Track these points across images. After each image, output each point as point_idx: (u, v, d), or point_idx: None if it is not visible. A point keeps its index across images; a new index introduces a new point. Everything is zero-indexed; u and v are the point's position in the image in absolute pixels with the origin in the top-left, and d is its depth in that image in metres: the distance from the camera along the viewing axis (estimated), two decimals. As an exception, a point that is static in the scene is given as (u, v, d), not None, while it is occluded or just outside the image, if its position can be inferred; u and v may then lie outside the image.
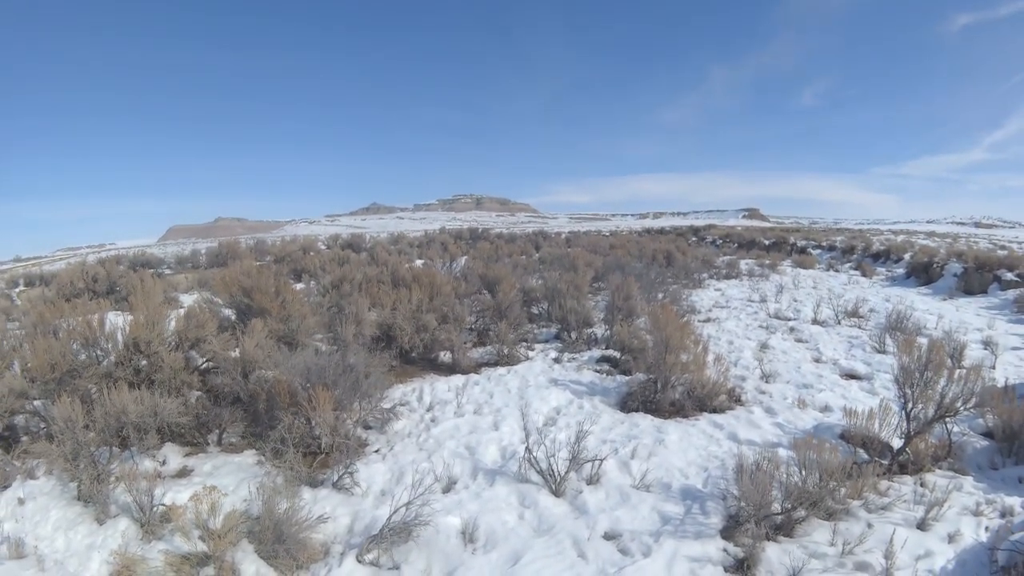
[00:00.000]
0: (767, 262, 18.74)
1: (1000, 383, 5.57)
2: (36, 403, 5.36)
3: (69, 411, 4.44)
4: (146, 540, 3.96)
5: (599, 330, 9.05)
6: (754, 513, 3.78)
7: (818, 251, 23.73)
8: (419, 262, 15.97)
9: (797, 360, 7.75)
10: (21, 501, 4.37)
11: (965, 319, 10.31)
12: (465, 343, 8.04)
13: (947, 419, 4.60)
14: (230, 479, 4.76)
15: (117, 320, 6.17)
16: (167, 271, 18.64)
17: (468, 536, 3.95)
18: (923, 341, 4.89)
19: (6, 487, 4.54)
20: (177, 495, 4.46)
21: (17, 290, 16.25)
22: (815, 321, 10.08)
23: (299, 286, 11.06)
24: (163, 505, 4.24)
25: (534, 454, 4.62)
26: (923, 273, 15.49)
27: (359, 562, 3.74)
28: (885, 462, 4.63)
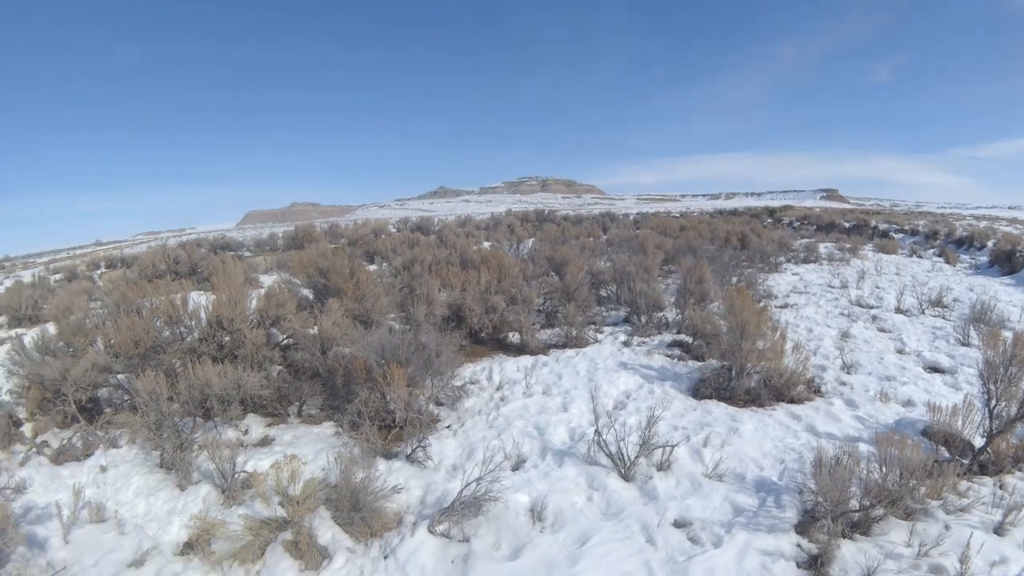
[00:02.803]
0: (847, 246, 17.85)
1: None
2: (119, 377, 5.74)
3: (153, 384, 4.74)
4: (226, 505, 4.19)
5: (670, 314, 8.89)
6: (831, 509, 3.65)
7: (900, 235, 22.41)
8: (486, 244, 16.08)
9: (879, 351, 7.38)
10: (103, 468, 4.70)
11: None
12: (533, 324, 8.08)
13: None
14: (309, 449, 4.98)
15: (200, 299, 6.52)
16: (246, 253, 19.50)
17: (536, 514, 3.99)
18: (1007, 335, 4.56)
19: (88, 455, 4.89)
20: (258, 463, 4.70)
21: (99, 272, 17.32)
22: (898, 310, 9.55)
23: (372, 268, 11.36)
24: (244, 472, 4.48)
25: (603, 437, 4.60)
26: (1006, 262, 14.42)
27: (431, 532, 3.85)
28: (966, 461, 4.39)
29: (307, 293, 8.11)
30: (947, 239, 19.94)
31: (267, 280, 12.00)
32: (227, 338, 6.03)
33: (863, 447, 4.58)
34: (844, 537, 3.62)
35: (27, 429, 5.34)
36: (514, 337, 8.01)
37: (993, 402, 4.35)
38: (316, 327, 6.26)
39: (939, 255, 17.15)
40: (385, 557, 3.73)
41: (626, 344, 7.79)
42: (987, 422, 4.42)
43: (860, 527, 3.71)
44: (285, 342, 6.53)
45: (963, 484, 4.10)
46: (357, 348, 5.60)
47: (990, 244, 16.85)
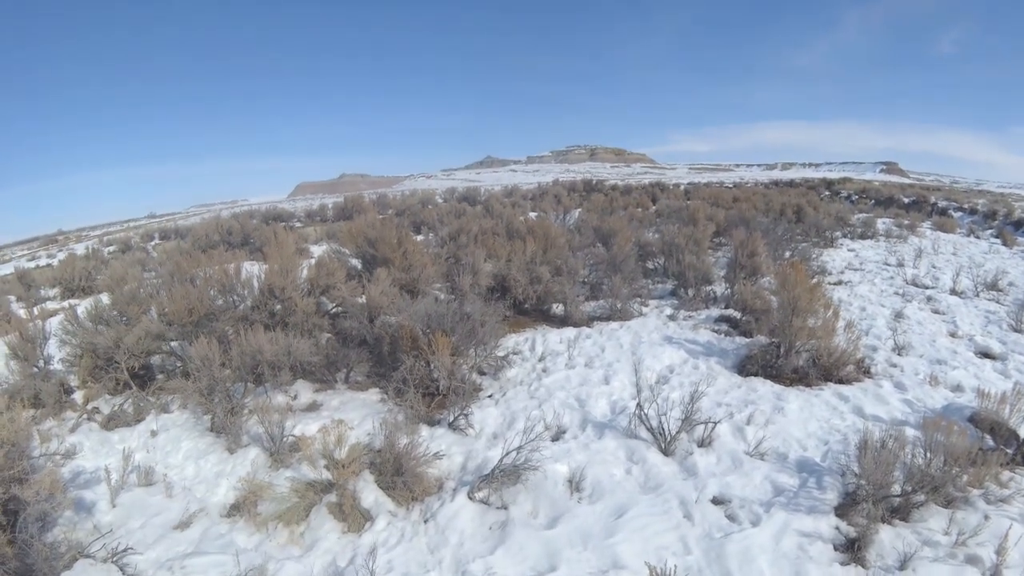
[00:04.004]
0: (906, 222, 17.13)
1: None
2: (172, 344, 5.96)
3: (207, 350, 4.90)
4: (274, 468, 4.36)
5: (718, 288, 8.73)
6: (873, 493, 3.58)
7: (959, 214, 21.45)
8: (532, 214, 16.04)
9: (932, 333, 7.12)
10: (154, 433, 4.90)
11: None
12: (578, 296, 8.06)
13: None
14: (355, 414, 5.14)
15: (252, 269, 6.72)
16: (297, 224, 19.93)
17: (575, 485, 4.05)
18: None
19: (140, 421, 5.10)
20: (306, 427, 4.86)
21: (152, 243, 17.91)
22: (953, 291, 9.18)
23: (419, 238, 11.49)
24: (293, 436, 4.64)
25: (645, 411, 4.60)
26: None
27: (470, 499, 3.96)
28: (1010, 451, 4.23)
29: (356, 263, 8.28)
30: (1005, 220, 19.09)
31: (317, 250, 12.27)
32: (278, 306, 6.22)
33: (909, 431, 4.44)
34: (883, 522, 3.56)
35: (78, 396, 5.54)
36: (558, 308, 8.02)
37: None
38: (364, 296, 6.41)
39: (997, 236, 16.41)
40: (425, 521, 3.87)
41: (672, 318, 7.71)
42: None
43: (900, 512, 3.65)
44: (334, 310, 6.71)
45: (1005, 474, 3.97)
46: (404, 317, 5.72)
47: (1049, 227, 15.98)
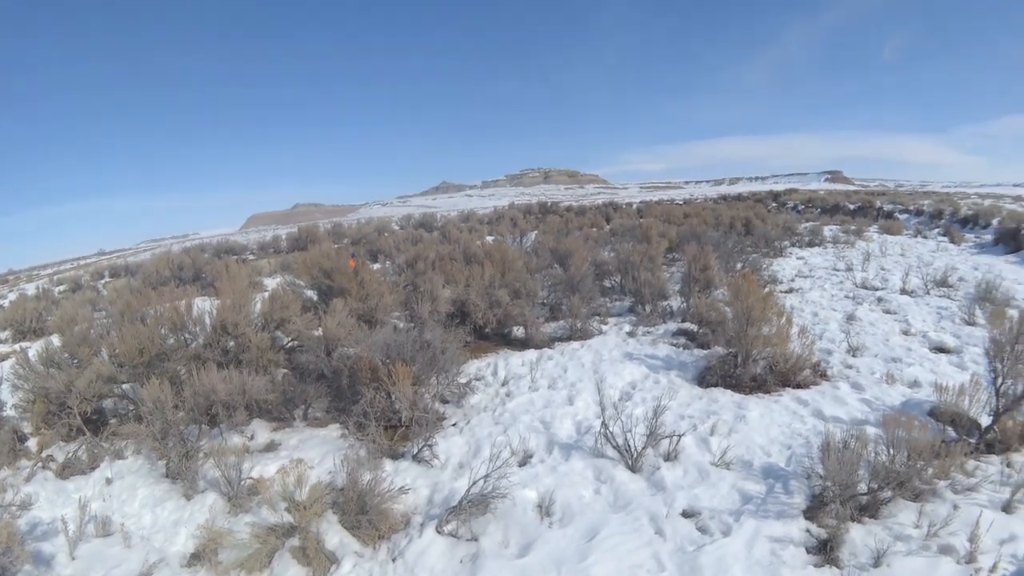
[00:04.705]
0: (852, 228, 17.74)
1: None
2: (124, 387, 5.73)
3: (158, 392, 4.72)
4: (233, 513, 4.19)
5: (674, 303, 8.86)
6: (839, 493, 3.64)
7: (905, 216, 22.33)
8: (490, 238, 16.06)
9: (885, 332, 7.35)
10: (109, 481, 4.70)
11: None
12: (538, 318, 8.06)
13: None
14: (315, 452, 4.99)
15: (204, 305, 6.52)
16: (250, 257, 19.54)
17: (544, 509, 4.00)
18: (1013, 313, 4.52)
19: (94, 468, 4.89)
20: (264, 469, 4.69)
21: (103, 282, 17.35)
22: (903, 291, 9.51)
23: (376, 266, 11.36)
24: (251, 479, 4.46)
25: (610, 429, 4.59)
26: (1011, 240, 14.26)
27: (439, 533, 3.85)
28: (973, 441, 4.36)
29: (311, 294, 8.12)
30: (952, 218, 19.84)
31: (271, 283, 12.02)
32: (232, 343, 6.03)
33: (870, 430, 4.55)
34: (853, 521, 3.61)
35: (32, 444, 5.32)
36: (519, 331, 8.00)
37: (1000, 380, 4.32)
38: (320, 328, 6.27)
39: (944, 235, 17.05)
40: (393, 560, 3.74)
41: (631, 334, 7.77)
42: (993, 401, 4.40)
43: (868, 510, 3.71)
44: (290, 344, 6.54)
45: (970, 463, 4.09)
46: (362, 348, 5.60)
47: (995, 223, 16.72)
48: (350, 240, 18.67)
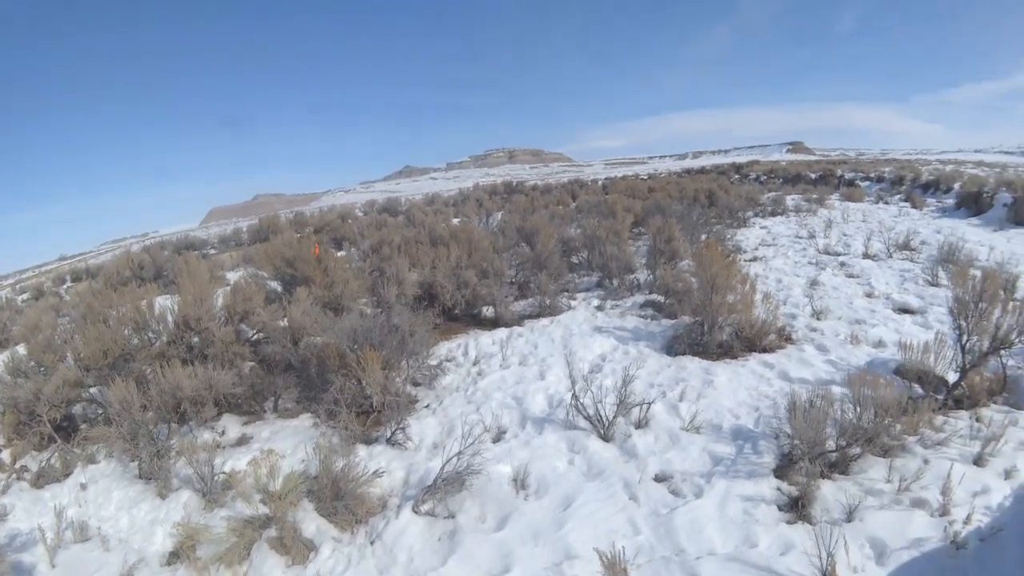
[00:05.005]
0: (814, 197, 18.06)
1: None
2: (92, 391, 5.61)
3: (124, 393, 4.62)
4: (208, 509, 4.14)
5: (641, 275, 8.92)
6: (808, 451, 3.71)
7: (866, 183, 22.77)
8: (456, 220, 15.96)
9: (849, 295, 7.49)
10: (83, 486, 4.61)
11: (1016, 250, 9.66)
12: (507, 296, 8.05)
13: (1002, 351, 4.40)
14: (288, 443, 4.94)
15: (166, 302, 6.40)
16: (211, 251, 19.14)
17: (520, 483, 4.02)
18: (976, 273, 4.65)
19: (68, 475, 4.79)
20: (237, 463, 4.63)
21: (65, 287, 16.89)
22: (866, 255, 9.72)
23: (340, 253, 11.21)
24: (223, 473, 4.40)
25: (581, 400, 4.63)
26: (973, 204, 14.69)
27: (415, 513, 3.85)
28: (940, 397, 4.49)
29: (276, 285, 7.99)
30: (913, 184, 20.27)
31: (234, 276, 11.79)
32: (196, 339, 5.92)
33: (836, 389, 4.63)
34: (823, 477, 3.68)
35: (6, 455, 5.21)
36: (488, 311, 7.99)
37: (965, 337, 4.43)
38: (286, 318, 6.18)
39: (905, 200, 17.41)
40: (372, 543, 3.72)
41: (599, 308, 7.81)
42: (960, 357, 4.50)
43: (838, 467, 3.79)
44: (256, 337, 6.43)
45: (939, 419, 4.18)
46: (329, 335, 5.54)
47: (956, 187, 17.10)
48: (313, 228, 18.38)
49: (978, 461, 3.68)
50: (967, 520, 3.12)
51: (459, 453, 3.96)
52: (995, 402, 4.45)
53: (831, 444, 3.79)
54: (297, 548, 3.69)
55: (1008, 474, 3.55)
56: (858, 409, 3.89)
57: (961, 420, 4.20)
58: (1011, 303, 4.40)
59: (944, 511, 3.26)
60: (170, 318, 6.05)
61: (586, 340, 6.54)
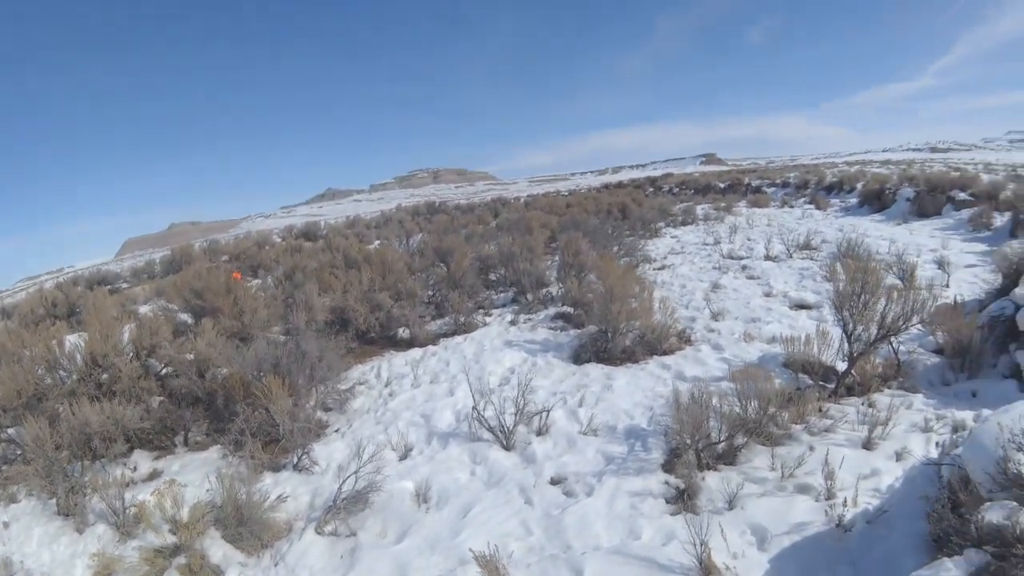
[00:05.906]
0: (722, 205, 18.97)
1: (952, 300, 5.65)
2: (10, 431, 5.45)
3: (37, 432, 4.58)
4: (122, 541, 4.12)
5: (554, 289, 9.18)
6: (692, 444, 3.94)
7: (772, 189, 24.04)
8: (376, 243, 15.93)
9: (747, 296, 7.94)
10: (6, 525, 4.51)
11: (919, 241, 10.49)
12: (422, 317, 8.14)
13: (891, 338, 4.67)
14: (197, 474, 4.90)
15: (77, 340, 6.24)
16: (124, 285, 18.33)
17: (422, 497, 4.13)
18: (859, 266, 4.99)
19: None
20: (147, 496, 4.59)
21: (-21, 328, 15.91)
22: (767, 257, 10.27)
23: (256, 281, 11.03)
24: (134, 507, 4.38)
25: (483, 413, 4.79)
26: (876, 200, 15.62)
27: (318, 534, 3.92)
28: (831, 386, 4.77)
29: (186, 317, 7.82)
30: (817, 187, 21.55)
31: (146, 310, 11.40)
32: (104, 375, 5.79)
33: (726, 384, 4.89)
34: (709, 469, 3.92)
35: None
36: (404, 332, 8.03)
37: (850, 327, 4.69)
38: (193, 351, 6.09)
39: (810, 203, 18.48)
40: (275, 565, 3.77)
41: (512, 323, 8.01)
42: (847, 346, 4.77)
43: (725, 457, 4.03)
44: (165, 371, 6.30)
45: (828, 407, 4.44)
46: (233, 366, 5.51)
47: (859, 186, 18.28)
48: (229, 257, 17.93)
49: (867, 445, 3.88)
50: (854, 503, 3.24)
51: (355, 472, 4.05)
52: (889, 387, 4.75)
53: (714, 436, 4.02)
54: (204, 574, 3.73)
55: (899, 456, 3.72)
56: (742, 401, 4.14)
57: (851, 407, 4.45)
58: (896, 291, 4.72)
59: (829, 495, 3.40)
60: (79, 356, 5.91)
61: (497, 355, 6.72)
